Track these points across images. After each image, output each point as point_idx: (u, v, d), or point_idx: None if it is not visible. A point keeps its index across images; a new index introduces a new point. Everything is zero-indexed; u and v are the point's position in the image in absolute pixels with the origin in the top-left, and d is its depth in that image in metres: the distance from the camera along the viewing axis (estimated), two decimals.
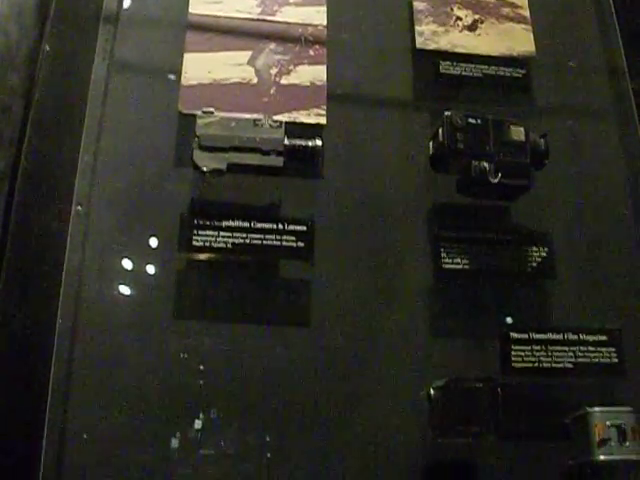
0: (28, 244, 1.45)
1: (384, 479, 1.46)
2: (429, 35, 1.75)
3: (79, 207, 1.50)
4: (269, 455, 1.42)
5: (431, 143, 1.55)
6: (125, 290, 1.47)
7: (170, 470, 1.40)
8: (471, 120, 1.52)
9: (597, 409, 1.42)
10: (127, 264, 1.49)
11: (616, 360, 1.54)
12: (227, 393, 1.45)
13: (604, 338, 1.55)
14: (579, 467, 1.46)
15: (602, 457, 1.40)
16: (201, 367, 1.44)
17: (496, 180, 1.49)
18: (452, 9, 1.78)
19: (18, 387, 1.39)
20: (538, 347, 1.51)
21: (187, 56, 1.61)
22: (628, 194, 1.72)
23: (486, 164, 1.49)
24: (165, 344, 1.45)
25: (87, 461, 1.39)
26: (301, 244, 1.49)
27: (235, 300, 1.50)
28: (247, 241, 1.48)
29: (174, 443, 1.41)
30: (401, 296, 1.55)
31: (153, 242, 1.51)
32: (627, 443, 1.40)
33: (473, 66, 1.73)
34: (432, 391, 1.42)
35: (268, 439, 1.43)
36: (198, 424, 1.41)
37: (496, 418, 1.39)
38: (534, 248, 1.60)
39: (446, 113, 1.51)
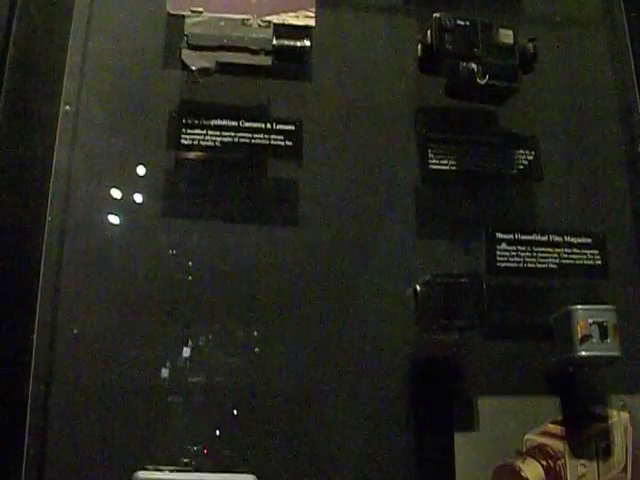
0: (15, 147, 1.44)
1: (370, 376, 1.47)
2: None
3: (67, 107, 1.49)
4: (257, 350, 1.43)
5: (419, 45, 1.54)
6: (114, 189, 1.47)
7: (158, 367, 1.39)
8: (460, 22, 1.52)
9: (579, 307, 1.44)
10: (116, 163, 1.49)
11: (599, 262, 1.56)
12: (215, 289, 1.45)
13: (588, 241, 1.56)
14: (561, 363, 1.47)
15: (583, 353, 1.42)
16: (190, 263, 1.45)
17: (484, 82, 1.49)
18: None
19: (8, 283, 1.38)
20: (523, 248, 1.53)
21: None
22: (615, 100, 1.71)
23: (474, 65, 1.49)
24: (154, 241, 1.46)
25: (78, 356, 1.39)
26: (289, 143, 1.49)
27: (223, 198, 1.50)
28: (235, 140, 1.48)
29: (164, 339, 1.40)
30: (388, 197, 1.55)
31: (142, 141, 1.49)
32: (608, 340, 1.43)
33: None
34: (417, 287, 1.42)
35: (256, 334, 1.43)
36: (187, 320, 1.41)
37: (481, 313, 1.38)
38: (521, 151, 1.61)
39: (435, 15, 1.50)
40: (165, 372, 1.42)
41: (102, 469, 1.35)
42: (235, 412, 1.41)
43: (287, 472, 1.40)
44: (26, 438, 1.35)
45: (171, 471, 1.30)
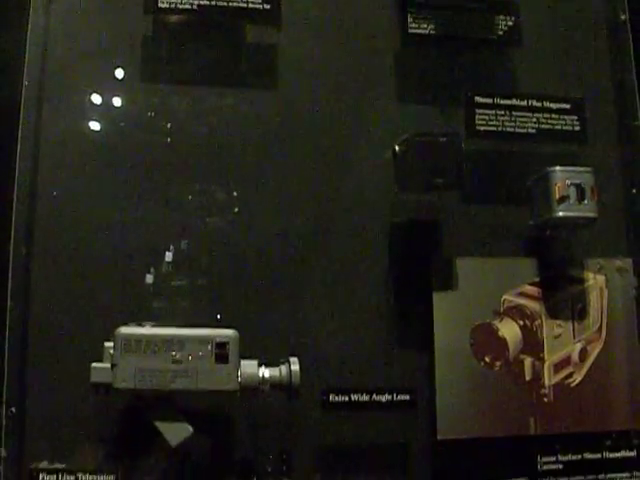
0: None
1: (350, 237, 1.49)
2: None
3: None
4: (236, 210, 1.43)
5: None
6: (90, 52, 1.45)
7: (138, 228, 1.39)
8: None
9: (558, 168, 1.45)
10: (92, 27, 1.47)
11: (578, 128, 1.56)
12: (194, 151, 1.46)
13: (567, 106, 1.56)
14: (539, 226, 1.48)
15: (561, 214, 1.44)
16: (168, 125, 1.45)
17: None
18: None
19: None
20: (502, 112, 1.53)
21: None
22: None
23: None
24: (133, 104, 1.45)
25: (58, 218, 1.40)
26: (267, 6, 1.47)
27: (202, 63, 1.50)
28: (213, 2, 1.45)
29: (143, 200, 1.41)
30: (367, 59, 1.54)
31: (118, 5, 1.47)
32: (585, 201, 1.44)
33: None
34: (396, 147, 1.42)
35: (235, 194, 1.43)
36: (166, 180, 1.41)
37: (460, 172, 1.39)
38: (501, 16, 1.59)
39: None
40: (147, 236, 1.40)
41: (84, 328, 1.35)
42: (215, 271, 1.40)
43: (267, 328, 1.40)
44: (8, 301, 1.33)
45: (152, 326, 1.31)
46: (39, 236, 1.40)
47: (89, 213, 1.42)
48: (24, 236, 1.39)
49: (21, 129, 1.42)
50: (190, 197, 1.43)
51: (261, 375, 1.32)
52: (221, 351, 1.29)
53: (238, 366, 1.29)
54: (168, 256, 1.42)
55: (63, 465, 1.35)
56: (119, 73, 1.48)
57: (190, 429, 1.29)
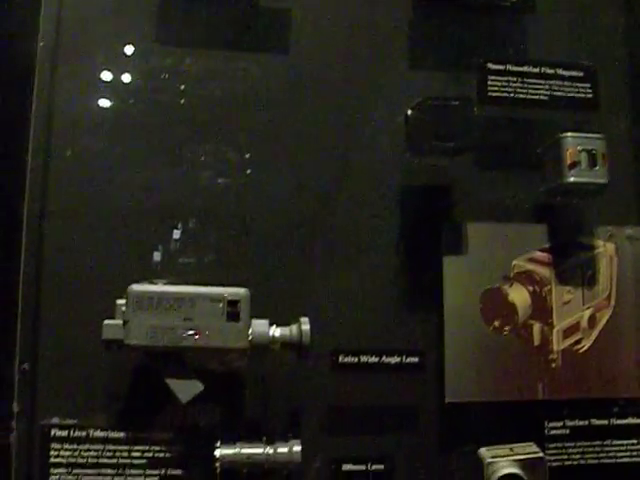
0: None
1: (362, 202, 1.50)
2: None
3: None
4: (249, 171, 1.44)
5: None
6: (105, 13, 1.46)
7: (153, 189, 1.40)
8: None
9: (569, 134, 1.46)
10: None
11: (590, 95, 1.56)
12: (207, 113, 1.47)
13: (580, 74, 1.56)
14: (549, 192, 1.49)
15: (572, 179, 1.44)
16: (182, 87, 1.45)
17: None
18: None
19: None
20: (514, 79, 1.53)
21: None
22: None
23: None
24: (146, 65, 1.46)
25: (72, 178, 1.41)
26: None
27: (216, 25, 1.51)
28: None
29: (157, 160, 1.42)
30: (379, 28, 1.54)
31: None
32: (596, 168, 1.44)
33: None
34: (409, 111, 1.43)
35: (248, 156, 1.44)
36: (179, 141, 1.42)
37: (472, 136, 1.39)
38: None
39: None
40: (160, 196, 1.41)
41: (97, 285, 1.37)
42: (227, 231, 1.41)
43: (278, 289, 1.42)
44: (22, 258, 1.35)
45: (164, 284, 1.32)
46: (53, 195, 1.42)
47: (102, 173, 1.43)
48: (38, 194, 1.40)
49: (35, 90, 1.42)
50: (202, 158, 1.43)
51: (272, 334, 1.33)
52: (232, 309, 1.30)
53: (249, 324, 1.29)
54: (179, 218, 1.40)
55: (75, 421, 1.35)
56: (134, 35, 1.47)
57: (200, 386, 1.30)
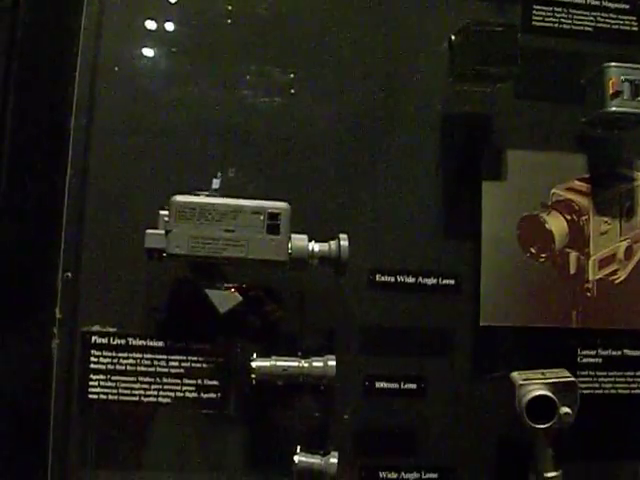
0: None
1: (405, 126, 1.53)
2: None
3: None
4: (292, 91, 1.46)
5: None
6: None
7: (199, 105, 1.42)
8: None
9: (613, 64, 1.45)
10: None
11: (636, 28, 1.55)
12: (253, 34, 1.51)
13: (626, 6, 1.57)
14: (591, 123, 1.49)
15: (614, 108, 1.44)
16: (229, 7, 1.50)
17: None
18: None
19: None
20: (559, 9, 1.55)
21: None
22: None
23: None
24: None
25: (119, 92, 1.45)
26: None
27: None
28: None
29: (205, 78, 1.44)
30: None
31: None
32: (639, 98, 1.43)
33: None
34: (452, 36, 1.43)
35: (292, 76, 1.46)
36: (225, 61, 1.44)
37: (515, 62, 1.39)
38: None
39: None
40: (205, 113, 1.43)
41: (140, 196, 1.40)
42: (270, 149, 1.42)
43: (319, 206, 1.44)
44: (68, 169, 1.37)
45: (207, 196, 1.34)
46: (100, 109, 1.44)
47: (149, 89, 1.45)
48: (85, 108, 1.42)
49: (85, 8, 1.43)
50: (248, 77, 1.44)
51: (311, 249, 1.34)
52: (273, 222, 1.32)
53: (289, 238, 1.31)
54: (223, 135, 1.42)
55: (115, 329, 1.37)
56: None
57: (239, 297, 1.32)
